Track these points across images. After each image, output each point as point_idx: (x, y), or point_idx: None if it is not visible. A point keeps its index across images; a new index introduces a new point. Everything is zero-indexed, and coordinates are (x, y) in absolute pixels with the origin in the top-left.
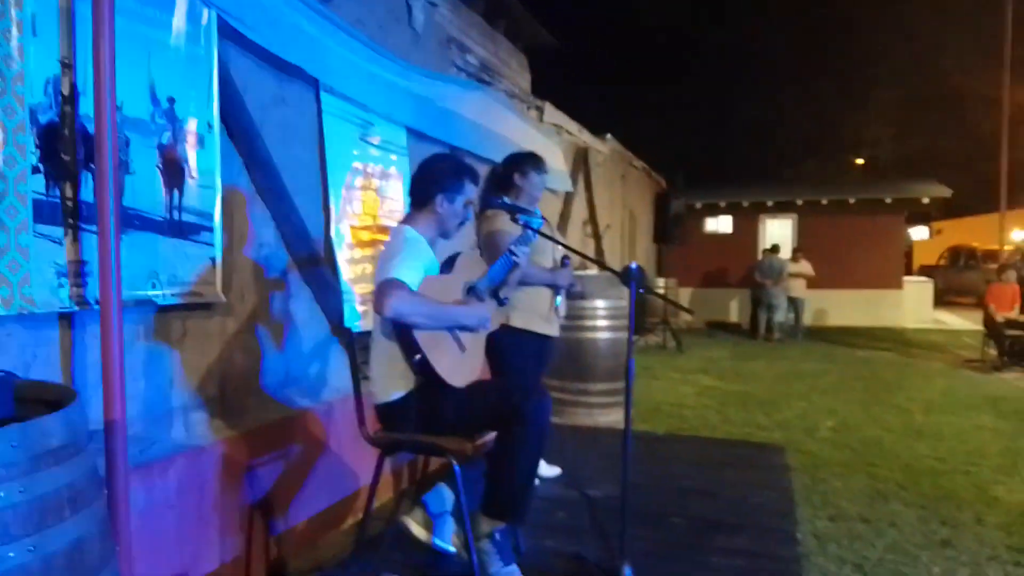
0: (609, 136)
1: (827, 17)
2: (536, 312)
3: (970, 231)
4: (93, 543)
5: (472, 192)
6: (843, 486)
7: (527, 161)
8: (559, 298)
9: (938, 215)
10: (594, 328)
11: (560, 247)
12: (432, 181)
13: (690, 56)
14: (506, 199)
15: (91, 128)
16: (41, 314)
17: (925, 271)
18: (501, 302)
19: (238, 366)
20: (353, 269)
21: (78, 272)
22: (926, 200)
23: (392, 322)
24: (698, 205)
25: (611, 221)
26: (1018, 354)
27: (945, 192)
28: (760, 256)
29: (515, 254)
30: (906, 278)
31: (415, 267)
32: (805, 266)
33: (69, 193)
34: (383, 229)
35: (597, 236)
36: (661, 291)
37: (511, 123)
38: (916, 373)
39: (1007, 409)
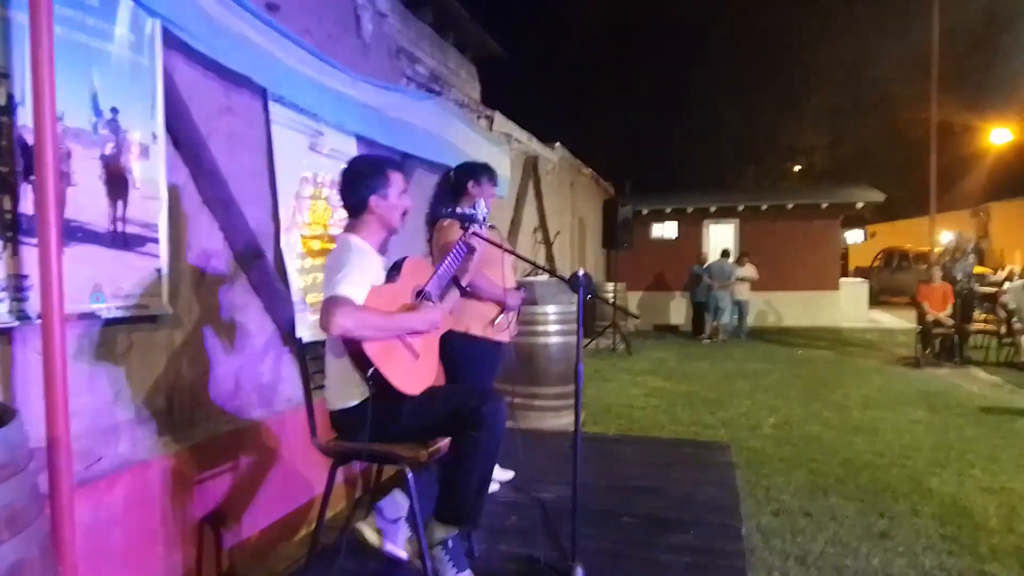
0: (558, 144)
1: (763, 31)
2: (488, 320)
3: (903, 234)
4: (33, 565)
5: (400, 180)
6: (785, 481)
7: (482, 171)
8: (504, 317)
9: (872, 219)
10: (545, 333)
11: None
12: (359, 185)
13: (635, 68)
14: (460, 209)
15: (30, 139)
16: None
17: (860, 272)
18: (463, 290)
19: (186, 378)
20: (304, 278)
21: (18, 286)
22: (860, 205)
23: (341, 338)
24: (645, 211)
25: (561, 228)
26: (948, 350)
27: (878, 197)
28: (698, 260)
29: (468, 241)
30: (842, 279)
31: (360, 280)
32: (751, 270)
33: (7, 205)
34: (334, 238)
35: (547, 242)
36: (611, 295)
37: (461, 132)
38: (853, 371)
39: (939, 404)
